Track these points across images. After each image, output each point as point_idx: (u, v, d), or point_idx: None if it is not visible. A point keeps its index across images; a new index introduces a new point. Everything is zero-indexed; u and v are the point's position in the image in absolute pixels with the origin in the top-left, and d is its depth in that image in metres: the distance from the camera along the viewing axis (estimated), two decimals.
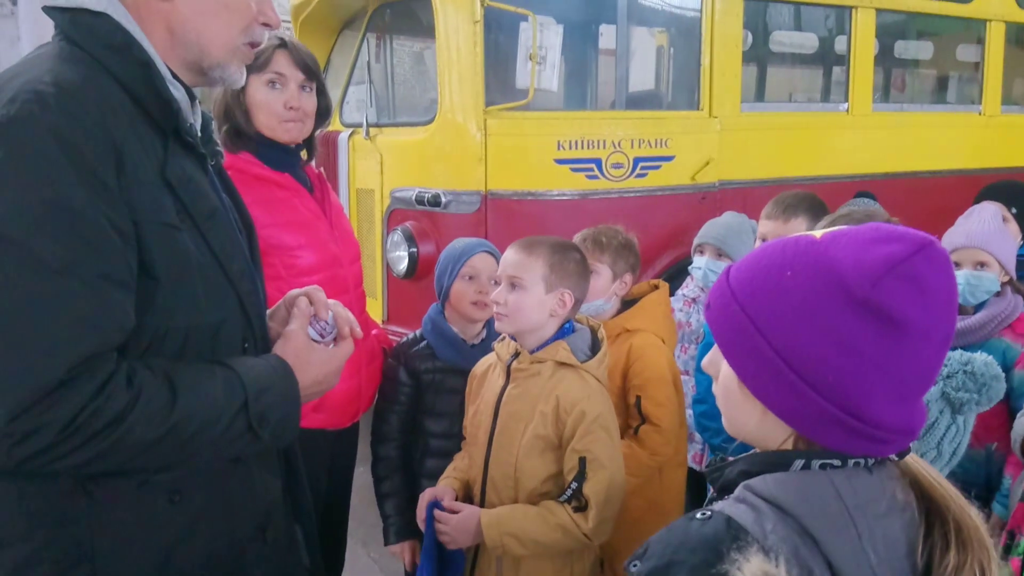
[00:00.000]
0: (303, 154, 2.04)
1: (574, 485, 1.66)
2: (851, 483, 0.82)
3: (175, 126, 1.09)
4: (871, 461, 0.84)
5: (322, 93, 1.99)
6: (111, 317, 0.97)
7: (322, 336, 1.23)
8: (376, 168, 3.73)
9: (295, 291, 1.28)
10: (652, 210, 3.53)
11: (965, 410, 1.06)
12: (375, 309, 3.79)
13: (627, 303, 2.26)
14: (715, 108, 3.66)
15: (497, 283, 1.77)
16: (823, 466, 0.83)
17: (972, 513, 0.82)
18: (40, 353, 0.92)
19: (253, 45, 1.17)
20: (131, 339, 1.02)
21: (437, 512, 1.73)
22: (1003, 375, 1.06)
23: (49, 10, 1.06)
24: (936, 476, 0.85)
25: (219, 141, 1.30)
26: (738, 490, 0.84)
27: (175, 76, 1.11)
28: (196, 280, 1.07)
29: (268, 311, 1.29)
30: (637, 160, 3.51)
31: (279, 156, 1.95)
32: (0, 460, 0.95)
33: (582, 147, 3.40)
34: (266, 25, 1.17)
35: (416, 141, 3.54)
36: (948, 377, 1.06)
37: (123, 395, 0.97)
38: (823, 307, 0.81)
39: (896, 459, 0.86)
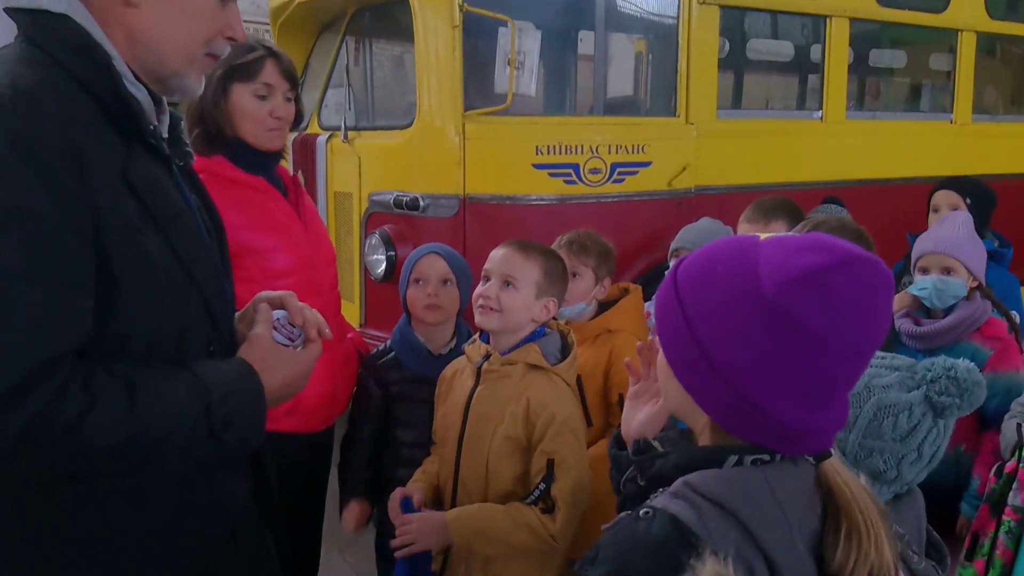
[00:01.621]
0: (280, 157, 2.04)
1: (542, 486, 1.68)
2: (780, 476, 0.85)
3: (137, 128, 1.08)
4: (792, 457, 0.87)
5: (298, 100, 1.99)
6: (70, 322, 0.96)
7: (291, 340, 1.22)
8: (354, 171, 3.72)
9: (264, 294, 1.27)
10: (629, 215, 3.56)
11: (947, 415, 1.08)
12: (353, 313, 3.78)
13: (603, 306, 2.29)
14: (692, 114, 3.69)
15: (487, 278, 1.78)
16: (754, 461, 0.86)
17: (872, 519, 0.84)
18: None
19: (214, 57, 1.16)
20: (92, 343, 1.00)
21: (402, 516, 1.73)
22: (984, 381, 1.08)
23: (11, 11, 1.05)
24: (847, 480, 0.87)
25: (189, 143, 1.28)
26: (676, 485, 0.86)
27: (137, 78, 1.10)
28: (159, 283, 1.06)
29: (237, 314, 1.28)
30: (615, 166, 3.53)
31: (253, 159, 1.94)
32: None
33: (560, 152, 3.42)
34: (231, 39, 1.16)
35: (395, 144, 3.55)
36: (932, 382, 1.08)
37: (80, 400, 0.96)
38: (737, 302, 0.85)
39: (813, 461, 0.88)
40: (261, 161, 1.96)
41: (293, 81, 1.96)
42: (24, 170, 0.94)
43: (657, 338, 0.96)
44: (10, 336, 0.92)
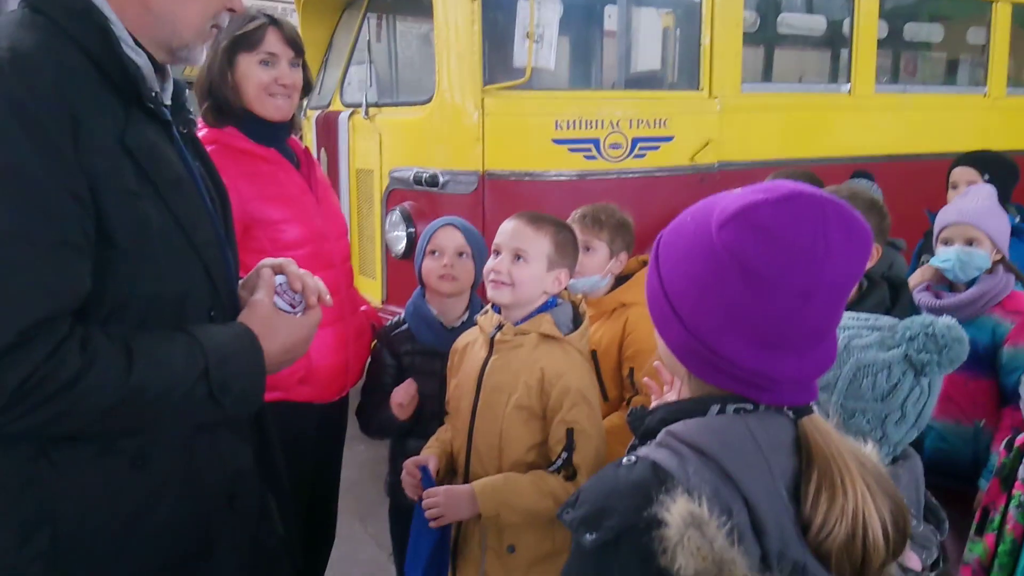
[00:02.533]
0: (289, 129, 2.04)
1: (564, 455, 1.69)
2: (763, 425, 0.85)
3: (136, 93, 1.09)
4: (776, 407, 0.88)
5: (305, 67, 1.99)
6: (64, 282, 0.98)
7: (292, 306, 1.23)
8: (375, 148, 3.73)
9: (266, 260, 1.28)
10: (650, 191, 3.52)
11: (928, 371, 1.06)
12: (374, 290, 3.81)
13: (620, 280, 2.28)
14: (715, 88, 3.64)
15: (498, 252, 1.77)
16: (737, 410, 0.87)
17: (851, 478, 0.83)
18: None
19: (218, 27, 1.18)
20: (92, 306, 1.02)
21: (428, 490, 1.74)
22: (967, 338, 1.06)
23: None
24: (827, 437, 0.86)
25: (196, 113, 1.29)
26: (660, 435, 0.87)
27: (138, 44, 1.11)
28: (157, 248, 1.07)
29: (240, 281, 1.29)
30: (636, 140, 3.50)
31: (264, 131, 1.95)
32: None
33: (580, 127, 3.39)
34: (231, 11, 1.18)
35: (414, 120, 3.54)
36: (910, 339, 1.06)
37: (76, 360, 0.97)
38: (694, 247, 0.87)
39: (791, 415, 0.88)
40: (272, 132, 1.97)
41: (297, 48, 1.96)
42: (18, 132, 0.95)
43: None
44: (5, 296, 0.94)
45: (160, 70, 1.18)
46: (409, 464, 1.80)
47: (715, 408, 0.87)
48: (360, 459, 3.49)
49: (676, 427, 0.86)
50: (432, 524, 1.72)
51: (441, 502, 1.71)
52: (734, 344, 0.85)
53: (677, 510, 0.75)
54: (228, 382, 1.09)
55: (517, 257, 1.74)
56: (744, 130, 3.72)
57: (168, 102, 1.20)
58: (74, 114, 0.99)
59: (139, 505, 1.09)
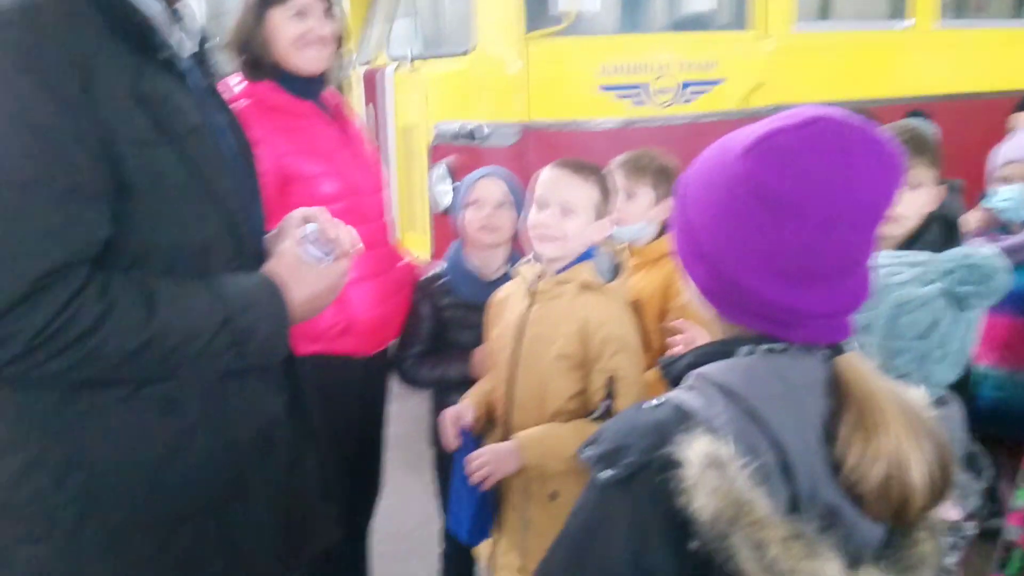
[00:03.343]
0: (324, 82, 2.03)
1: (607, 403, 1.68)
2: (794, 365, 0.82)
3: (150, 42, 1.08)
4: (811, 347, 0.84)
5: (339, 18, 1.98)
6: (79, 230, 0.99)
7: (321, 255, 1.23)
8: (420, 102, 3.71)
9: (296, 211, 1.28)
10: (701, 137, 3.39)
11: (971, 304, 1.00)
12: (422, 245, 3.82)
13: (666, 227, 2.23)
14: (767, 27, 3.50)
15: (542, 205, 1.73)
16: (768, 351, 0.83)
17: (889, 419, 0.79)
18: (7, 266, 0.95)
19: None
20: (113, 256, 1.03)
21: (470, 455, 1.73)
22: (1009, 267, 1.00)
23: None
24: (866, 377, 0.83)
25: (227, 67, 1.29)
26: (688, 378, 0.85)
27: None
28: (175, 197, 1.07)
29: (271, 233, 1.29)
30: (685, 84, 3.40)
31: (300, 85, 1.95)
32: None
33: (627, 71, 3.30)
34: None
35: (456, 72, 3.50)
36: (948, 273, 1.01)
37: (96, 305, 0.99)
38: (715, 179, 0.84)
39: (826, 354, 0.84)
40: (307, 86, 1.96)
41: None
42: (29, 82, 0.95)
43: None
44: (19, 244, 0.95)
45: (179, 20, 1.17)
46: (448, 414, 1.81)
47: (744, 349, 0.85)
48: (410, 414, 3.54)
49: (703, 369, 0.84)
50: (484, 486, 1.73)
51: (487, 460, 1.72)
52: (758, 278, 0.82)
53: (696, 449, 0.73)
54: (251, 329, 1.10)
55: (565, 210, 1.72)
56: (798, 71, 3.57)
57: (190, 53, 1.19)
58: (84, 64, 0.99)
59: (169, 450, 1.12)
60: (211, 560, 1.16)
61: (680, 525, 0.74)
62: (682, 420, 0.78)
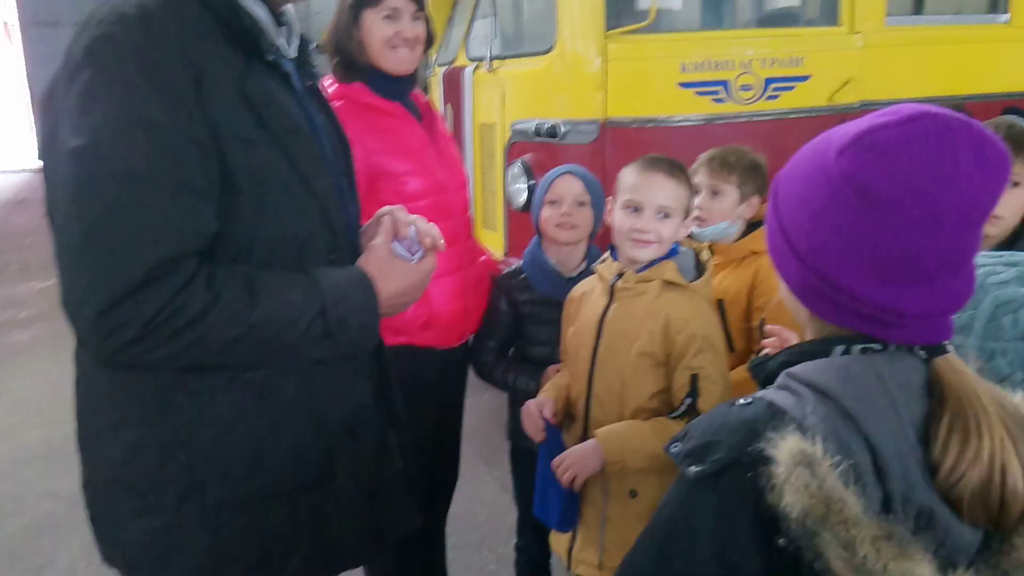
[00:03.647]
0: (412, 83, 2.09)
1: (688, 401, 1.67)
2: (892, 365, 0.81)
3: (255, 45, 1.14)
4: (909, 347, 0.83)
5: (427, 20, 2.02)
6: (190, 223, 1.05)
7: (411, 253, 1.27)
8: (498, 101, 3.74)
9: (383, 208, 1.32)
10: (785, 134, 3.34)
11: None
12: (497, 242, 3.85)
13: (752, 225, 2.20)
14: (856, 23, 3.40)
15: (639, 209, 1.70)
16: (864, 351, 0.82)
17: (990, 422, 0.78)
18: (125, 255, 1.01)
19: None
20: (219, 249, 1.09)
21: (555, 460, 1.75)
22: None
23: None
24: (965, 377, 0.81)
25: (325, 69, 1.34)
26: (780, 378, 0.84)
27: None
28: (277, 193, 1.12)
29: (362, 228, 1.35)
30: (768, 81, 3.33)
31: (389, 86, 2.01)
32: (94, 352, 1.07)
33: (708, 69, 3.26)
34: None
35: (535, 71, 3.52)
36: None
37: (203, 295, 1.05)
38: (811, 177, 0.83)
39: (924, 355, 0.83)
40: (396, 87, 2.02)
41: (419, 1, 1.99)
42: (145, 83, 1.02)
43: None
44: (137, 234, 1.02)
45: (283, 24, 1.22)
46: (530, 405, 1.83)
47: (839, 349, 0.84)
48: (485, 407, 3.59)
49: (796, 368, 0.83)
50: (574, 488, 1.74)
51: (571, 461, 1.73)
52: (855, 276, 0.81)
53: (787, 447, 0.73)
54: (345, 320, 1.15)
55: (663, 214, 1.71)
56: (888, 67, 3.46)
57: (293, 55, 1.25)
58: (196, 65, 1.05)
59: (265, 432, 1.17)
60: (302, 539, 1.22)
61: (768, 522, 0.74)
62: (773, 418, 0.77)
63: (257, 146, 1.11)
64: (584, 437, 1.80)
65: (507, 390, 2.17)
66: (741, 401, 0.83)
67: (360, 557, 1.35)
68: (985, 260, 1.05)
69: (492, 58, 3.78)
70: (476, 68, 3.93)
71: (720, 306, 2.09)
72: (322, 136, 1.26)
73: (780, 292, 0.93)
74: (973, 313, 1.01)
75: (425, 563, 2.29)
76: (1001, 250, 1.17)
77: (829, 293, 0.83)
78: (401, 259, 1.26)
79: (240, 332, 1.07)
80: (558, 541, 1.90)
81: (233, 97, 1.09)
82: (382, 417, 1.36)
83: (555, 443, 1.79)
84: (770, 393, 0.82)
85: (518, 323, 2.14)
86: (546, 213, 2.08)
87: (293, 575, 1.22)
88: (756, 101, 3.33)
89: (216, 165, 1.07)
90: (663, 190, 1.71)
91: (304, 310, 1.12)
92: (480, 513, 3.14)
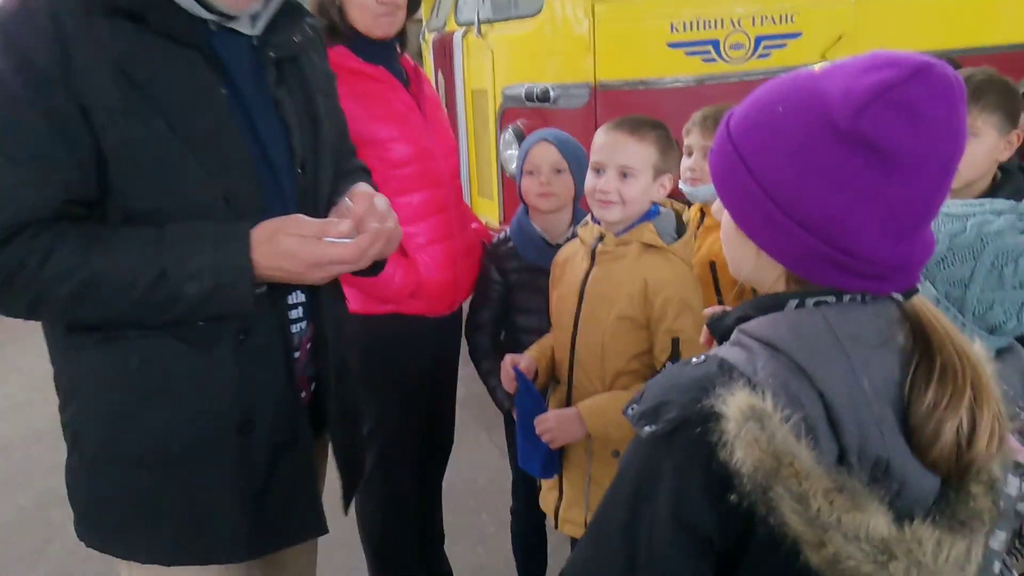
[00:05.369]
0: (398, 47, 2.05)
1: (669, 364, 1.67)
2: (844, 316, 0.80)
3: (149, 16, 1.12)
4: (868, 296, 0.82)
5: None
6: (32, 191, 1.10)
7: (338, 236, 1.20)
8: (488, 66, 3.70)
9: (357, 185, 1.35)
10: None
11: None
12: (492, 210, 3.84)
13: None
14: None
15: (599, 170, 1.72)
16: (817, 303, 0.82)
17: (969, 356, 0.79)
18: None
19: None
20: (100, 217, 1.15)
21: (538, 418, 1.77)
22: None
23: None
24: (938, 318, 0.81)
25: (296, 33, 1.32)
26: (733, 334, 0.84)
27: None
28: (156, 165, 1.13)
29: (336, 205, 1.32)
30: (759, 39, 3.29)
31: (374, 49, 1.96)
32: None
33: (698, 28, 3.22)
34: None
35: (524, 35, 3.48)
36: None
37: (39, 254, 1.10)
38: (810, 141, 0.78)
39: (901, 298, 0.83)
40: (380, 51, 1.98)
41: None
42: (8, 62, 1.06)
43: (718, 208, 0.92)
44: None
45: None
46: (507, 360, 1.85)
47: (793, 303, 0.83)
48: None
49: (749, 324, 0.83)
50: (552, 446, 1.77)
51: (552, 427, 1.76)
52: (872, 238, 0.79)
53: (736, 402, 0.73)
54: (197, 277, 1.13)
55: (623, 174, 1.70)
56: (883, 20, 3.41)
57: (254, 32, 1.24)
58: (63, 37, 1.07)
59: (142, 400, 1.22)
60: (174, 512, 1.25)
61: (720, 480, 0.75)
62: (724, 375, 0.77)
63: (131, 118, 1.11)
64: (568, 400, 1.82)
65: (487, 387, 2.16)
66: (695, 360, 0.83)
67: (242, 551, 1.30)
68: (968, 210, 1.05)
69: (481, 22, 3.73)
70: (466, 33, 3.88)
71: (712, 268, 2.09)
72: (252, 110, 1.23)
73: (744, 264, 0.89)
74: (974, 264, 1.02)
75: (423, 527, 2.32)
76: (985, 198, 1.17)
77: (839, 258, 0.80)
78: (316, 236, 1.18)
79: (72, 290, 1.12)
80: (546, 502, 1.93)
81: (108, 70, 1.09)
82: (300, 418, 1.33)
83: (528, 395, 1.81)
84: (723, 350, 0.82)
85: (508, 292, 2.14)
86: (525, 184, 2.07)
87: (166, 544, 1.26)
88: (748, 60, 3.29)
89: (86, 136, 1.10)
90: (624, 150, 1.70)
91: (142, 269, 1.12)
92: (480, 478, 3.18)
